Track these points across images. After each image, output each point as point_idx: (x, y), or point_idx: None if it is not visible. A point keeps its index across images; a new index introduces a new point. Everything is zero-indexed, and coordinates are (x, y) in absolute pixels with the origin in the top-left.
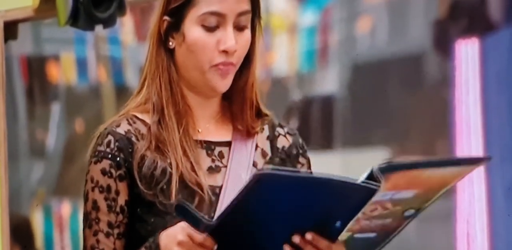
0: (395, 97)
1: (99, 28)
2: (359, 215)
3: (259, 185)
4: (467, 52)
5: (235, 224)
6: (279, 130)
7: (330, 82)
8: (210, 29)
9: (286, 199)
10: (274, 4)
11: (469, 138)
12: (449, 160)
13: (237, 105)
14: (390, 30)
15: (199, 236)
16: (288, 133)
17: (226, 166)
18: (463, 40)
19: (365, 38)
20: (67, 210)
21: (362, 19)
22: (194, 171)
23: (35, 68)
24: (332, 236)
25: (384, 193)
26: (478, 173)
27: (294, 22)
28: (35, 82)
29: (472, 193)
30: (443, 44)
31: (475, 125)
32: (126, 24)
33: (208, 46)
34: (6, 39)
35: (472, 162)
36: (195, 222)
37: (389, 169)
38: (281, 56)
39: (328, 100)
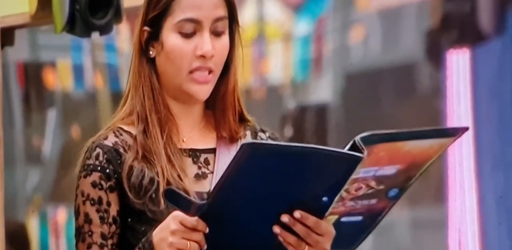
0: (388, 106)
1: (95, 35)
2: (344, 194)
3: (246, 156)
4: (459, 62)
5: (225, 204)
6: (261, 134)
7: (324, 90)
8: (187, 36)
9: (272, 172)
10: (268, 13)
11: (460, 147)
12: (430, 130)
13: (220, 112)
14: (383, 40)
15: (191, 220)
16: (269, 137)
17: (212, 172)
18: (454, 50)
19: (358, 48)
20: (63, 216)
21: (355, 29)
22: (180, 178)
23: (32, 74)
24: (320, 213)
25: (367, 169)
26: (470, 182)
27: (288, 31)
28: (31, 88)
29: (463, 201)
30: (435, 54)
31: (466, 134)
32: (122, 32)
33: (186, 52)
34: (3, 45)
35: (452, 133)
36: (186, 205)
37: (371, 139)
38: (275, 65)
39: (322, 108)
